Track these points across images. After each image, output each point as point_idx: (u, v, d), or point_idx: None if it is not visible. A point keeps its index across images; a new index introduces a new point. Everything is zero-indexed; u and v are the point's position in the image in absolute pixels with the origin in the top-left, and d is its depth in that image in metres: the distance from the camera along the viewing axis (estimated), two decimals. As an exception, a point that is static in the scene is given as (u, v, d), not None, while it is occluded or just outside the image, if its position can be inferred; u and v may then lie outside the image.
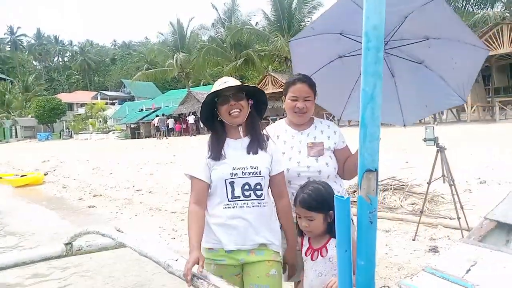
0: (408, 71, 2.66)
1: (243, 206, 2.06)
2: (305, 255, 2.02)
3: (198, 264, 1.86)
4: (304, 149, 2.32)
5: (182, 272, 2.00)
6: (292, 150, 2.34)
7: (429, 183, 4.62)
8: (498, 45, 15.73)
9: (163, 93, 53.04)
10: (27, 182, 13.00)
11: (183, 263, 2.06)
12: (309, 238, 2.04)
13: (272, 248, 2.10)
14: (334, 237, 1.86)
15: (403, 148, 10.24)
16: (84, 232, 3.21)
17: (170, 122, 31.85)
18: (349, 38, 2.55)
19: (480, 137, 11.34)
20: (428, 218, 5.09)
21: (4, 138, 53.01)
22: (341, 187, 2.40)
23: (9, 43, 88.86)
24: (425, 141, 4.56)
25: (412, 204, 5.82)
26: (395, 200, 5.95)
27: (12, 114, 55.02)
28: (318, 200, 1.91)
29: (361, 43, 2.48)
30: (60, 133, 49.23)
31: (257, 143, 2.13)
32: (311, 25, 2.68)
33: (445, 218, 5.08)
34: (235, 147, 2.12)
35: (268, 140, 2.18)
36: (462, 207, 4.50)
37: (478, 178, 6.76)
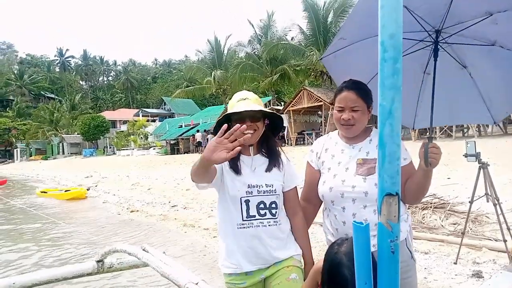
0: (482, 57, 2.20)
1: (259, 226, 2.00)
2: None
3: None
4: (353, 166, 2.02)
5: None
6: (338, 166, 2.06)
7: (471, 202, 4.32)
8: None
9: (201, 109, 54.14)
10: (71, 196, 13.57)
11: (203, 287, 2.01)
12: None
13: (286, 257, 2.05)
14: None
15: (445, 163, 9.76)
16: (113, 250, 3.23)
17: (210, 137, 32.36)
18: None
19: (530, 151, 10.63)
20: (471, 239, 4.75)
21: (52, 154, 55.88)
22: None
23: (59, 65, 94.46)
24: (466, 156, 4.28)
25: (454, 224, 5.47)
26: (435, 220, 5.62)
27: (59, 131, 57.91)
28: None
29: (409, 39, 2.22)
30: (103, 150, 51.22)
31: (273, 162, 2.09)
32: (340, 35, 2.32)
33: (490, 239, 4.72)
34: (248, 164, 2.08)
35: (281, 157, 2.13)
36: (509, 228, 4.17)
37: (528, 196, 6.29)
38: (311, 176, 2.17)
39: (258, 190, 2.01)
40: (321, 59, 2.52)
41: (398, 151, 1.15)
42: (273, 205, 2.02)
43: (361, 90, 2.01)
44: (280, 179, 2.07)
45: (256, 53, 34.39)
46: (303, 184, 2.24)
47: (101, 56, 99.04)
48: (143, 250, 2.89)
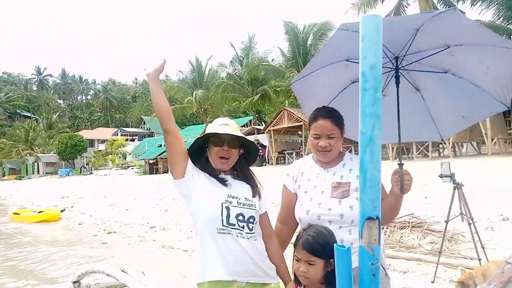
0: (434, 82, 2.46)
1: (238, 236, 1.95)
2: None
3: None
4: (328, 189, 2.09)
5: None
6: (315, 190, 2.12)
7: (446, 222, 4.43)
8: None
9: (182, 128, 53.90)
10: (43, 218, 13.14)
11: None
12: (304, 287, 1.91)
13: (267, 282, 2.01)
14: (331, 283, 1.78)
15: (422, 183, 9.97)
16: (91, 271, 3.17)
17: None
18: (357, 62, 2.47)
19: (502, 171, 10.97)
20: (448, 258, 4.85)
21: (27, 174, 54.31)
22: None
23: (36, 83, 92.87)
24: (441, 177, 4.40)
25: (431, 243, 5.58)
26: (413, 239, 5.72)
27: (35, 150, 56.52)
28: (322, 244, 1.78)
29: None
30: (80, 169, 50.14)
31: (248, 184, 2.13)
32: (310, 63, 2.51)
33: (465, 258, 4.83)
34: (227, 180, 2.10)
35: (255, 183, 2.17)
36: (483, 247, 4.29)
37: (500, 214, 6.46)
38: (288, 199, 2.22)
39: (238, 202, 2.01)
40: (291, 84, 2.69)
41: (379, 176, 1.21)
42: (251, 220, 2.01)
43: (336, 118, 2.10)
44: (257, 201, 2.09)
45: (237, 73, 34.81)
46: (280, 207, 2.27)
47: (80, 75, 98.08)
48: (122, 271, 2.84)
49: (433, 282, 4.35)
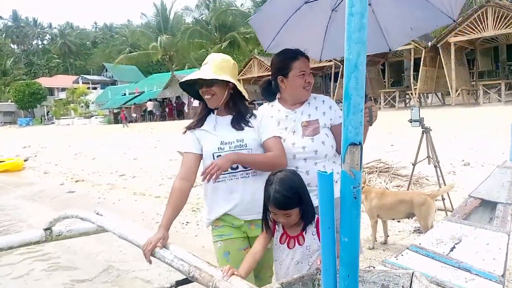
0: None
1: (232, 179, 2.08)
2: (280, 242, 1.94)
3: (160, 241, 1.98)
4: (299, 129, 2.19)
5: (161, 254, 1.96)
6: (286, 131, 2.21)
7: (414, 164, 4.63)
8: (483, 28, 15.75)
9: (146, 76, 52.16)
10: (6, 168, 12.69)
11: (164, 245, 2.02)
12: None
13: None
14: (308, 222, 1.88)
15: (389, 132, 10.30)
16: (63, 216, 3.11)
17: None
18: None
19: (464, 120, 11.48)
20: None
21: (-17, 124, 51.77)
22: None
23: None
24: (410, 122, 4.54)
25: (398, 186, 5.86)
26: (381, 183, 5.98)
27: (-10, 99, 53.56)
28: (292, 197, 1.78)
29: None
30: (41, 118, 48.22)
31: (240, 119, 2.15)
32: None
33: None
34: (222, 123, 2.17)
35: (251, 116, 2.19)
36: (445, 188, 4.53)
37: (462, 160, 6.84)
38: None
39: (229, 146, 2.09)
40: (249, 20, 2.68)
41: (362, 103, 1.20)
42: None
43: (308, 57, 2.25)
44: (252, 134, 2.13)
45: (204, 18, 33.48)
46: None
47: (34, 18, 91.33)
48: (97, 214, 2.81)
49: (398, 221, 4.60)
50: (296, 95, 2.25)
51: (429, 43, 17.38)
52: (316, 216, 1.93)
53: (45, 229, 3.24)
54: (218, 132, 2.14)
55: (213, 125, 2.18)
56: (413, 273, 1.68)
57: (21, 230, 5.46)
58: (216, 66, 2.11)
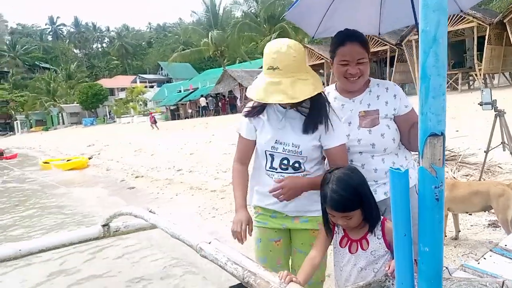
0: None
1: (279, 178, 1.95)
2: (340, 245, 1.75)
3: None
4: (355, 119, 1.97)
5: (214, 256, 1.86)
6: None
7: (487, 151, 4.20)
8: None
9: (199, 73, 53.26)
10: (73, 166, 13.49)
11: (217, 246, 1.92)
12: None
13: (316, 215, 1.94)
14: (372, 225, 1.67)
15: (452, 116, 9.58)
16: (118, 214, 3.16)
17: (202, 101, 32.29)
18: None
19: (538, 101, 10.41)
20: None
21: (53, 125, 55.72)
22: (406, 160, 2.01)
23: (51, 33, 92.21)
24: (481, 105, 4.11)
25: (466, 175, 5.37)
26: (447, 172, 5.51)
27: (58, 102, 57.41)
28: (352, 197, 1.59)
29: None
30: (104, 118, 50.96)
31: (311, 121, 1.89)
32: None
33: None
34: (291, 118, 1.95)
35: (325, 116, 1.89)
36: (525, 177, 4.06)
37: (539, 144, 6.16)
38: None
39: (284, 148, 1.93)
40: (285, 15, 2.57)
41: (444, 84, 0.98)
42: (296, 164, 1.95)
43: (364, 41, 1.94)
44: (314, 141, 1.91)
45: (253, 11, 33.43)
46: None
47: (93, 23, 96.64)
48: (150, 211, 2.80)
49: (470, 214, 4.19)
50: (341, 84, 2.03)
51: (494, 20, 16.03)
52: (382, 217, 1.73)
53: (103, 225, 3.32)
54: (279, 126, 1.94)
55: (280, 117, 1.95)
56: (503, 283, 1.43)
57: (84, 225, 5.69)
58: (291, 68, 1.77)
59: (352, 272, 1.71)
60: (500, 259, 1.80)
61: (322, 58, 22.11)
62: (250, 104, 2.01)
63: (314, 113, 1.88)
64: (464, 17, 16.24)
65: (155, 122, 26.31)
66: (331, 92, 2.10)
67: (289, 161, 1.94)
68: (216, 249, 1.91)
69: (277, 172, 1.96)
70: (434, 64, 0.97)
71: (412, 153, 2.09)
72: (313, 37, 2.67)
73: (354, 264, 1.70)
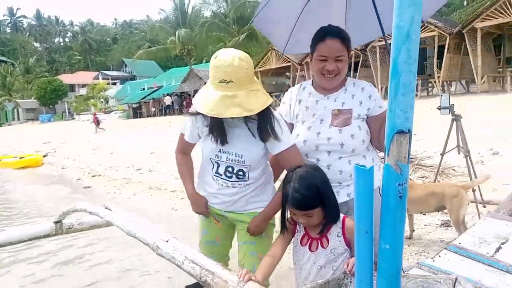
0: None
1: (223, 185, 2.02)
2: (301, 244, 1.73)
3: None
4: (328, 117, 1.93)
5: (171, 255, 1.79)
6: (313, 118, 1.96)
7: (442, 154, 4.34)
8: (511, 12, 15.07)
9: (164, 71, 52.40)
10: (26, 164, 12.84)
11: (174, 244, 1.86)
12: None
13: (259, 209, 2.06)
14: (333, 222, 1.67)
15: (411, 121, 9.89)
16: (72, 210, 3.02)
17: (167, 99, 31.84)
18: None
19: (490, 108, 10.99)
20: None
21: (7, 121, 53.02)
22: (372, 162, 1.98)
23: (9, 25, 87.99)
24: (439, 109, 4.24)
25: (422, 177, 5.56)
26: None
27: (13, 96, 54.77)
28: (314, 196, 1.58)
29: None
30: (62, 115, 49.09)
31: (260, 132, 1.90)
32: None
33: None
34: (237, 126, 1.95)
35: (274, 129, 1.88)
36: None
37: (490, 149, 6.49)
38: None
39: (227, 157, 1.96)
40: (251, 23, 2.51)
41: (414, 81, 0.97)
42: (240, 173, 1.98)
43: (345, 38, 1.90)
44: (259, 150, 1.94)
45: (222, 11, 33.34)
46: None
47: (56, 16, 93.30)
48: (106, 208, 2.68)
49: (424, 214, 4.33)
50: (318, 80, 1.99)
51: (454, 30, 16.79)
52: (342, 215, 1.73)
53: (56, 222, 3.18)
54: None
55: (227, 123, 1.93)
56: (456, 279, 1.45)
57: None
58: (244, 80, 1.77)
59: (311, 270, 1.69)
60: (454, 257, 1.83)
61: (289, 61, 22.30)
62: (194, 111, 1.95)
63: (262, 123, 1.87)
64: (427, 26, 16.90)
65: (98, 123, 22.89)
66: (306, 87, 2.07)
67: (233, 169, 1.97)
68: (173, 248, 1.84)
69: (222, 179, 2.01)
70: (406, 60, 0.95)
71: (380, 155, 2.12)
72: (282, 54, 2.62)
73: (313, 262, 1.69)
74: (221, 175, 2.00)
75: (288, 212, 1.70)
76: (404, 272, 1.60)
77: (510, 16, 15.17)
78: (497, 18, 15.45)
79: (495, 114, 9.72)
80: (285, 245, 1.76)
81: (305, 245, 1.72)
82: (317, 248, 1.69)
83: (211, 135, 1.93)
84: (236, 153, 1.93)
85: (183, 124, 2.10)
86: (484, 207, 4.14)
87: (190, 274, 1.68)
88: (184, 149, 2.17)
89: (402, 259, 1.11)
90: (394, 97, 0.97)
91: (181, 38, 33.64)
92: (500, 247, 1.92)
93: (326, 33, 1.88)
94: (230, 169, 1.97)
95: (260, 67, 25.03)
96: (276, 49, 24.04)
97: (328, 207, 1.63)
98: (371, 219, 1.08)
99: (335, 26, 1.94)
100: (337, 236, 1.68)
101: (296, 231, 1.75)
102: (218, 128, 1.90)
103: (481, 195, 4.11)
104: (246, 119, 1.89)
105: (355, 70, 20.67)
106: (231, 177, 1.98)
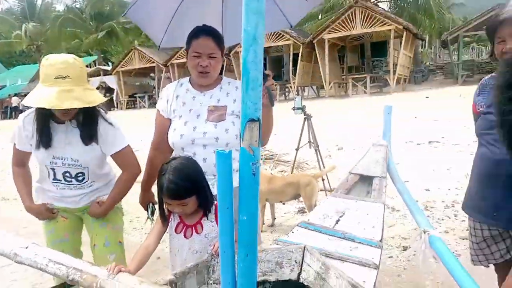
0: None
1: (65, 189, 2.12)
2: (176, 231, 1.83)
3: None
4: (204, 113, 2.04)
5: (32, 260, 1.70)
6: (190, 114, 2.05)
7: (297, 149, 4.90)
8: (352, 26, 17.44)
9: (8, 69, 45.89)
10: None
11: (35, 249, 1.75)
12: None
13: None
14: (206, 209, 1.80)
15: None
16: None
17: (14, 100, 28.12)
18: None
19: (336, 110, 12.59)
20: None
21: None
22: None
23: None
24: (293, 109, 4.79)
25: (282, 171, 6.15)
26: (265, 169, 6.21)
27: None
28: (188, 185, 1.68)
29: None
30: None
31: (86, 135, 2.03)
32: None
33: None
34: (58, 131, 2.02)
35: (99, 127, 2.05)
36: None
37: (336, 145, 7.50)
38: (161, 125, 2.14)
39: (63, 163, 2.04)
40: (125, 14, 2.48)
41: (260, 77, 1.16)
42: (80, 176, 2.11)
43: (218, 38, 2.04)
44: (93, 151, 2.07)
45: (78, 6, 30.76)
46: (154, 133, 2.20)
47: None
48: None
49: (283, 203, 4.82)
50: (194, 77, 2.11)
51: (306, 40, 18.69)
52: (215, 202, 1.87)
53: None
54: (54, 142, 2.01)
55: (56, 132, 2.02)
56: (304, 247, 1.74)
57: None
58: (78, 79, 1.85)
59: (187, 256, 1.79)
60: (305, 232, 2.15)
61: (153, 62, 21.86)
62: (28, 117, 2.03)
63: (87, 125, 2.02)
64: (283, 35, 18.43)
65: None
66: (184, 84, 2.16)
67: (71, 174, 2.07)
68: (35, 253, 1.74)
69: (62, 183, 2.10)
70: (253, 60, 1.14)
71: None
72: (159, 47, 2.64)
73: (189, 248, 1.79)
74: (60, 181, 2.09)
75: (165, 204, 1.76)
76: (263, 248, 1.84)
77: (350, 30, 17.60)
78: (340, 31, 17.76)
79: (340, 116, 11.21)
80: (160, 234, 1.82)
81: (180, 232, 1.81)
82: (191, 234, 1.79)
83: (38, 138, 1.98)
84: (71, 158, 2.02)
85: (14, 134, 2.08)
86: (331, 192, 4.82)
87: (57, 276, 1.62)
88: (20, 160, 2.15)
89: (257, 229, 1.30)
90: (246, 91, 1.15)
91: (29, 33, 30.06)
92: (338, 220, 2.30)
93: (201, 31, 2.02)
94: (68, 174, 2.07)
95: (122, 67, 23.97)
96: (139, 49, 23.36)
97: (202, 195, 1.74)
98: (231, 196, 1.25)
99: (209, 26, 2.08)
100: (211, 221, 1.81)
101: (170, 219, 1.83)
102: (44, 131, 1.97)
103: (328, 182, 4.78)
104: (78, 123, 2.01)
105: (220, 73, 21.25)
106: (71, 181, 2.10)
